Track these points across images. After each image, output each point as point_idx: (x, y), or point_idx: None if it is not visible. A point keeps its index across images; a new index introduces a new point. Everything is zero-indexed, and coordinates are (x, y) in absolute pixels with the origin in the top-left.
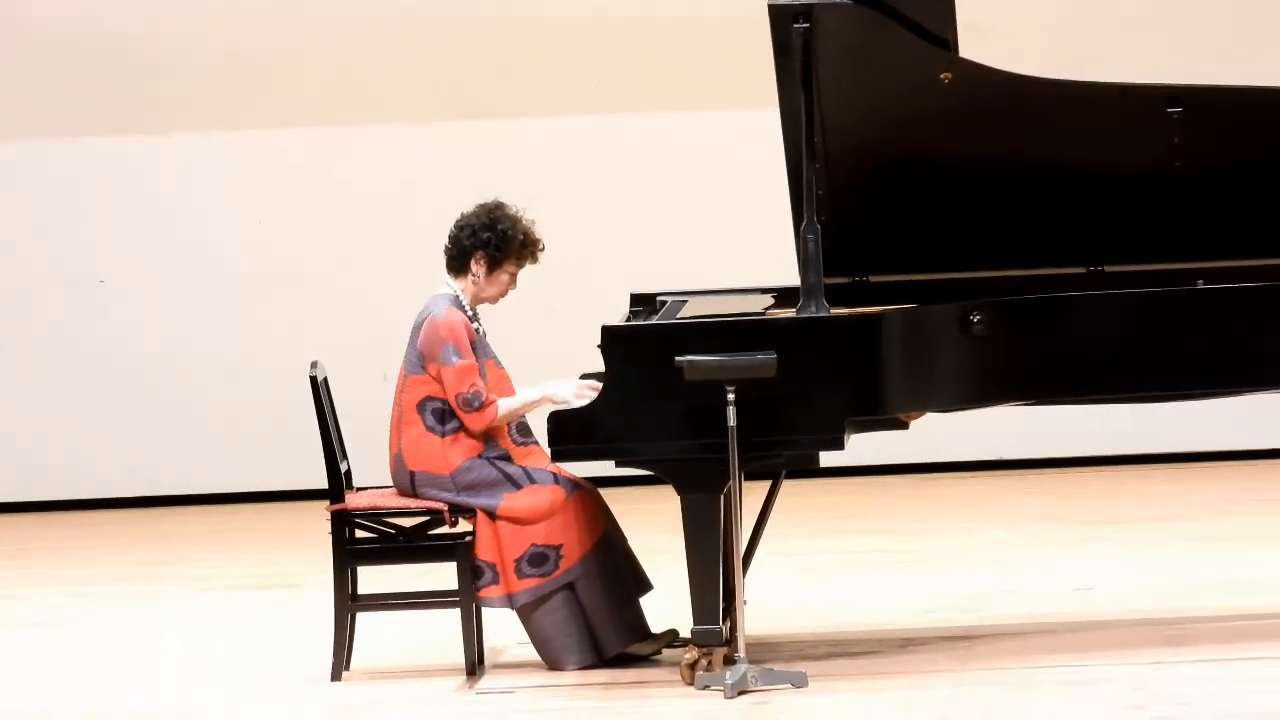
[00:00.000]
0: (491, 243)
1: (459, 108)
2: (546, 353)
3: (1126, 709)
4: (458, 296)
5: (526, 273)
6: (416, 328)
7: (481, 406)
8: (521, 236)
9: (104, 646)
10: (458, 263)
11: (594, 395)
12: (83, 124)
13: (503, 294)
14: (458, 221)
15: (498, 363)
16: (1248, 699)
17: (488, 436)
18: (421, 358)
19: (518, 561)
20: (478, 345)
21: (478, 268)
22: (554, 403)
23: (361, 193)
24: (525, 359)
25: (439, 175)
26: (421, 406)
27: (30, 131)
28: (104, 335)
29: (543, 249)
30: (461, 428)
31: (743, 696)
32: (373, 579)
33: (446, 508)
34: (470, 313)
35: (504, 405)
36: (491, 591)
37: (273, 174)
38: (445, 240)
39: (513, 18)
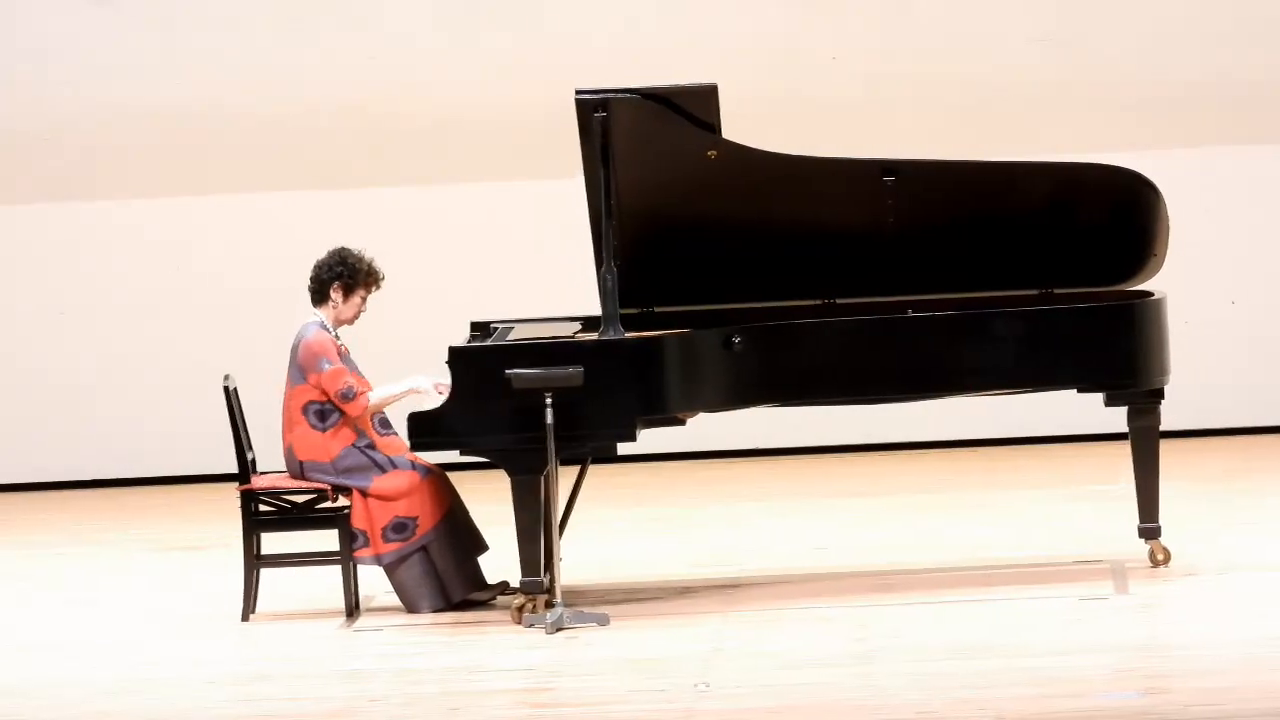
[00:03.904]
0: (344, 274)
1: (344, 179)
2: (409, 368)
3: (852, 640)
4: (322, 322)
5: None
6: (294, 348)
7: (355, 396)
8: (366, 268)
9: (62, 593)
10: (319, 295)
11: (446, 392)
12: (40, 194)
13: (357, 315)
14: (315, 264)
15: (360, 374)
16: (941, 630)
17: (359, 430)
18: (301, 371)
19: (384, 529)
20: (343, 359)
21: (336, 295)
22: (417, 392)
23: (253, 246)
24: (392, 374)
25: (320, 235)
26: (305, 410)
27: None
28: (65, 353)
29: (383, 278)
30: (338, 424)
31: (560, 632)
32: (272, 543)
33: (329, 487)
34: (334, 333)
35: (374, 395)
36: (364, 553)
37: (191, 235)
38: (307, 281)
39: (372, 111)
